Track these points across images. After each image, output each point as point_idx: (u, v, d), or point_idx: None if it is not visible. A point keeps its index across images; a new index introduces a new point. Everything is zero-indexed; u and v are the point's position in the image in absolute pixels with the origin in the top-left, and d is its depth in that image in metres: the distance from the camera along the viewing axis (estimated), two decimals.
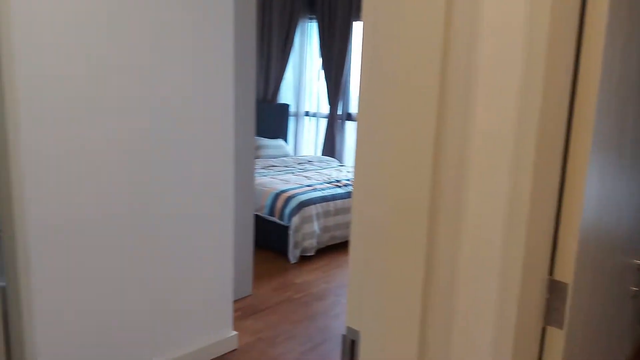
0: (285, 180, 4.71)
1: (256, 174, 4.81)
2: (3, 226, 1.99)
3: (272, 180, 4.68)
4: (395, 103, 0.74)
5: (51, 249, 2.00)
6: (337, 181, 4.82)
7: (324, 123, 6.98)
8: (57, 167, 1.97)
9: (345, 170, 5.47)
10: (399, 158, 0.75)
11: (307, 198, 4.22)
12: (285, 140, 6.74)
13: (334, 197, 4.43)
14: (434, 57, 0.68)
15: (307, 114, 7.19)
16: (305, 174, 5.12)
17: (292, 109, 7.09)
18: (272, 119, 6.63)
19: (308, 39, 7.00)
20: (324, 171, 5.34)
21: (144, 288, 2.34)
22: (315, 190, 4.42)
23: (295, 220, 4.05)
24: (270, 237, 4.22)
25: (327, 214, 4.33)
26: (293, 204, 4.13)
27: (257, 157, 5.84)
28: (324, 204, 4.32)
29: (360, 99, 0.80)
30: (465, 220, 0.73)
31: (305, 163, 5.77)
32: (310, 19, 6.91)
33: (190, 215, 2.46)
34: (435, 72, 0.69)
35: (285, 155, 6.23)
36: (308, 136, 7.23)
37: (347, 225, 4.51)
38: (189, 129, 2.37)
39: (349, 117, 6.73)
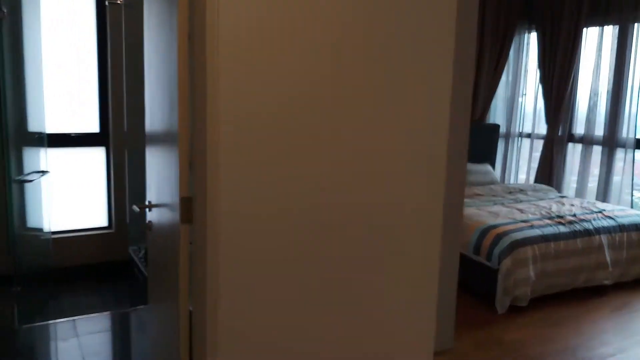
0: (495, 213, 4.09)
1: None
2: (194, 241, 1.87)
3: (478, 212, 4.11)
4: None
5: (243, 275, 1.80)
6: (560, 217, 4.03)
7: (538, 146, 6.12)
8: (255, 182, 1.77)
9: (568, 202, 4.61)
10: None
11: (522, 237, 3.56)
12: (493, 165, 6.05)
13: (555, 237, 3.68)
14: None
15: (519, 135, 6.40)
16: (518, 205, 4.42)
17: (501, 130, 6.37)
18: (479, 141, 5.98)
19: (524, 51, 6.23)
20: (541, 203, 4.56)
21: (337, 327, 2.03)
22: (532, 227, 3.73)
23: (507, 262, 3.43)
24: (473, 280, 3.66)
25: (545, 257, 3.61)
26: (504, 243, 3.51)
27: None
28: (543, 244, 3.61)
29: None
30: None
31: (517, 192, 5.04)
32: (529, 29, 6.14)
33: (393, 247, 2.10)
34: None
35: (493, 183, 5.56)
36: (519, 161, 6.42)
37: (570, 272, 3.72)
38: (400, 151, 2.03)
39: (572, 138, 5.78)
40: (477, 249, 3.66)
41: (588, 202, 4.63)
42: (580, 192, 5.59)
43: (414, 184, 2.11)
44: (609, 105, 5.27)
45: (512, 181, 6.43)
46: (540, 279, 3.59)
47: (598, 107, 5.42)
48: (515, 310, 3.53)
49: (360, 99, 1.91)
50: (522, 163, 6.39)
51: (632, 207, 5.08)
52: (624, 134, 5.18)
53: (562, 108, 5.67)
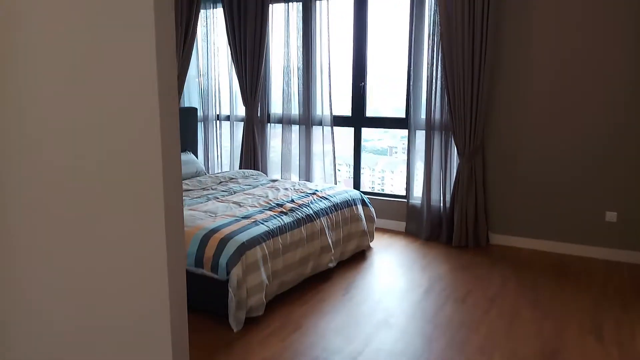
0: (211, 212, 3.49)
1: None
2: None
3: (192, 213, 3.44)
4: None
5: None
6: (279, 205, 3.69)
7: (239, 129, 5.80)
8: None
9: (281, 186, 4.34)
10: None
11: (248, 237, 3.04)
12: (195, 153, 5.46)
13: (281, 230, 3.30)
14: None
15: (218, 118, 5.96)
16: (233, 198, 3.92)
17: (199, 114, 5.82)
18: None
19: (212, 27, 5.77)
20: (256, 191, 4.17)
21: None
22: (256, 223, 3.26)
23: (237, 271, 2.87)
24: (198, 299, 3.00)
25: (274, 254, 3.19)
26: (231, 248, 2.94)
27: None
28: (271, 241, 3.18)
29: None
30: None
31: (228, 182, 4.56)
32: (214, 3, 5.68)
33: (108, 277, 1.30)
34: None
35: (199, 174, 4.96)
36: (222, 146, 6.00)
37: (297, 266, 3.40)
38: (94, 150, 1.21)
39: (270, 118, 5.60)
40: (199, 261, 3.00)
41: (299, 184, 4.46)
42: (285, 173, 5.48)
43: (119, 195, 1.35)
44: (301, 83, 5.22)
45: (217, 169, 5.98)
46: (272, 280, 3.16)
47: (291, 86, 5.33)
48: (251, 322, 3.02)
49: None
50: (224, 149, 5.99)
51: (335, 183, 5.18)
52: (319, 111, 5.20)
53: (258, 88, 5.42)
